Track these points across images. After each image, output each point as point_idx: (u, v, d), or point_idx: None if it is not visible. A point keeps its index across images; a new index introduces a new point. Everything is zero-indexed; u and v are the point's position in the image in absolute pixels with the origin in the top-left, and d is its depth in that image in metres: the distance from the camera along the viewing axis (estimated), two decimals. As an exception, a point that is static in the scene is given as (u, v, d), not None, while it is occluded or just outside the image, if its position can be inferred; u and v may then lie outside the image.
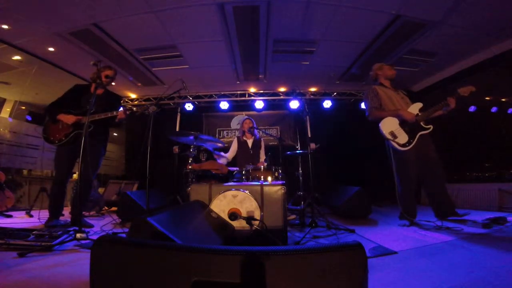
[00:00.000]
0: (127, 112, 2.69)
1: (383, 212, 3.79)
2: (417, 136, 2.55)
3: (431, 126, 2.58)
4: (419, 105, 2.65)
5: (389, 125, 2.65)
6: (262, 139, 3.87)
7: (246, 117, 3.94)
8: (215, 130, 6.34)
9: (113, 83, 5.54)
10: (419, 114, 2.60)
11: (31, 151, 4.87)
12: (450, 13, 3.33)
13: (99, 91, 2.75)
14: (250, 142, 3.75)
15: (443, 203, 2.57)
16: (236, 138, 3.87)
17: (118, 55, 4.38)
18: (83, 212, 3.41)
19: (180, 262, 0.78)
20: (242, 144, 3.75)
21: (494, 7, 3.19)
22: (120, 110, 2.68)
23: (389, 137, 2.61)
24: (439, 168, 2.58)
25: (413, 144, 2.54)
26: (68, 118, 2.61)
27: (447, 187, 2.66)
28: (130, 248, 0.84)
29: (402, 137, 2.58)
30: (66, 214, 3.43)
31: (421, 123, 2.58)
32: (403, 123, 2.61)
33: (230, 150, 3.79)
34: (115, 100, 3.16)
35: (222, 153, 3.60)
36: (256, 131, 3.80)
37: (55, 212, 2.64)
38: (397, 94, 2.80)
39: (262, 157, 3.73)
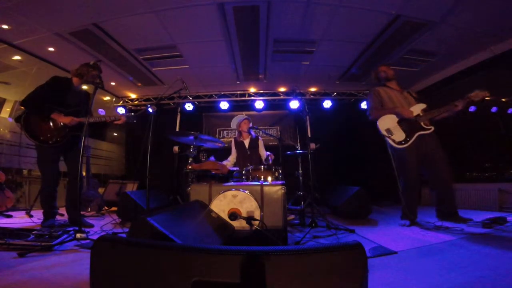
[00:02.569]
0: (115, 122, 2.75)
1: (383, 212, 3.79)
2: (415, 136, 2.56)
3: (432, 127, 2.58)
4: (422, 105, 2.65)
5: (386, 123, 2.68)
6: (259, 137, 3.86)
7: (244, 117, 3.91)
8: (215, 130, 6.34)
9: (112, 83, 5.59)
10: (421, 114, 2.60)
11: (31, 151, 4.84)
12: (450, 13, 3.33)
13: (78, 87, 2.79)
14: (247, 142, 3.74)
15: (445, 202, 2.58)
16: (233, 140, 3.86)
17: (118, 55, 4.38)
18: (83, 212, 3.42)
19: (180, 262, 0.78)
20: (239, 144, 3.75)
21: (494, 7, 3.19)
22: (122, 115, 2.75)
23: (385, 133, 2.66)
24: (443, 167, 2.55)
25: (410, 142, 2.55)
26: (66, 119, 2.59)
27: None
28: (130, 248, 0.84)
29: (399, 135, 2.61)
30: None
31: (422, 123, 2.59)
32: (401, 121, 2.63)
33: (232, 152, 3.78)
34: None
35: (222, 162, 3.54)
36: (251, 130, 3.80)
37: (49, 212, 2.65)
38: (400, 94, 2.80)
39: (263, 155, 3.71)
